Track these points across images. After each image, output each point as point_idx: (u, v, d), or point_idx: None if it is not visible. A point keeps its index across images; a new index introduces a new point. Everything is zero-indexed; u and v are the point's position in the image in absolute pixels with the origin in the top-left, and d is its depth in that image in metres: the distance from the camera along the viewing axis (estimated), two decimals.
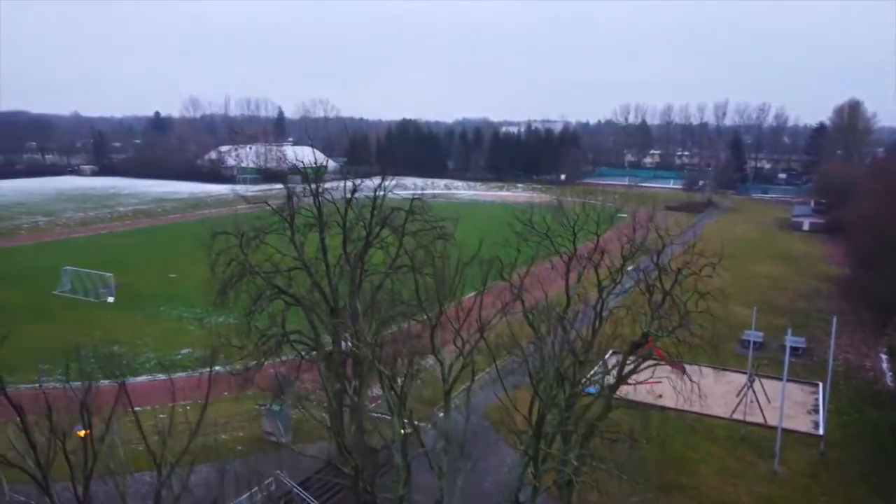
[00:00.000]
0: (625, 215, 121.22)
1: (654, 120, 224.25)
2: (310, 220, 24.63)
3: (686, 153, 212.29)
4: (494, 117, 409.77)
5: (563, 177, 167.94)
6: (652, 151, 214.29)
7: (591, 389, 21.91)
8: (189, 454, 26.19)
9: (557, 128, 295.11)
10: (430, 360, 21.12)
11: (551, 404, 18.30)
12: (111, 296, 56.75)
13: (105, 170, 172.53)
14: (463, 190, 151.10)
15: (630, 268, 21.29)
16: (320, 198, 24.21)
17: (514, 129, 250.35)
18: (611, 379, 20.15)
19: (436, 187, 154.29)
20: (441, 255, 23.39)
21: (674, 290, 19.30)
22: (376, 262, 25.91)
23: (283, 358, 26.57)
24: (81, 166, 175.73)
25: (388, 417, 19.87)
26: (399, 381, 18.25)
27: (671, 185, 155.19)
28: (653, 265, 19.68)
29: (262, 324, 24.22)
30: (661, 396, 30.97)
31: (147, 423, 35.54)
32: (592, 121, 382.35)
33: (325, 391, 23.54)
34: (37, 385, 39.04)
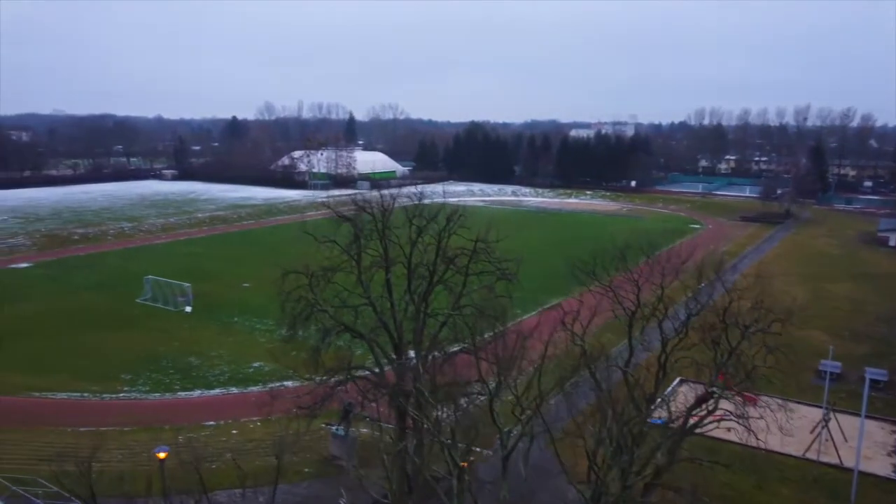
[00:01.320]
0: (698, 226, 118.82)
1: (730, 121, 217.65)
2: (376, 259, 25.19)
3: (764, 158, 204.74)
4: (564, 118, 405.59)
5: (633, 183, 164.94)
6: (727, 157, 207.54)
7: (658, 420, 21.64)
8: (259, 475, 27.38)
9: (628, 130, 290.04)
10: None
11: (615, 456, 18.19)
12: (189, 305, 59.20)
13: (185, 174, 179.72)
14: (530, 197, 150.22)
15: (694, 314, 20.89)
16: (385, 239, 24.65)
17: (583, 132, 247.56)
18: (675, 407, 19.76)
19: (503, 193, 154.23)
20: (502, 296, 23.41)
21: (741, 345, 18.84)
22: (441, 302, 26.23)
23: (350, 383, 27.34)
24: (163, 171, 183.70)
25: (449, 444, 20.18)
26: (455, 415, 18.48)
27: (747, 194, 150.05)
28: (719, 320, 19.23)
29: (328, 358, 24.92)
30: (729, 430, 30.15)
31: (220, 438, 37.41)
32: (665, 122, 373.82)
33: (388, 421, 24.12)
34: (119, 395, 41.59)
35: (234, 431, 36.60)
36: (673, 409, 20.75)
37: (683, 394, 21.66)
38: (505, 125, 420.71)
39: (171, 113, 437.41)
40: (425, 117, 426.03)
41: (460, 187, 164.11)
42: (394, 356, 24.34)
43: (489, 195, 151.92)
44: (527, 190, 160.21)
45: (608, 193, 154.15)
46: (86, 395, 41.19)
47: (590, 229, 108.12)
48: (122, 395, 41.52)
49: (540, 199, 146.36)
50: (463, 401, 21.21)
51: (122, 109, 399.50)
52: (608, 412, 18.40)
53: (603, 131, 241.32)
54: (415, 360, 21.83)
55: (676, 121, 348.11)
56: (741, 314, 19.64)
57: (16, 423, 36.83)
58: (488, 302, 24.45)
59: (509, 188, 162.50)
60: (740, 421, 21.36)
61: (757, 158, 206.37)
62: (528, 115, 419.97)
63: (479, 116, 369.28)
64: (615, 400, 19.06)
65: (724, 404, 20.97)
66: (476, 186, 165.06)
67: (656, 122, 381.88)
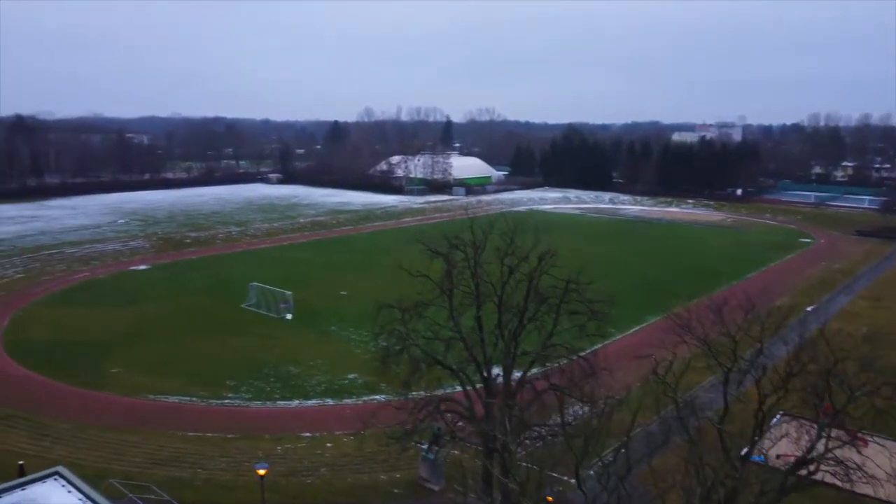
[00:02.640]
0: (808, 240, 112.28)
1: (848, 123, 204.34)
2: (468, 293, 25.49)
3: (886, 165, 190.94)
4: (666, 119, 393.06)
5: (738, 192, 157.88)
6: (844, 163, 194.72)
7: (758, 458, 20.78)
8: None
9: (735, 134, 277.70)
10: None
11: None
12: (290, 313, 61.70)
13: (289, 177, 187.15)
14: (628, 205, 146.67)
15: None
16: (477, 277, 24.89)
17: (686, 136, 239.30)
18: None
19: (600, 201, 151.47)
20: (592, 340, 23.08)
21: (846, 407, 17.79)
22: (531, 340, 26.24)
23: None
24: (269, 174, 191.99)
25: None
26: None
27: (865, 206, 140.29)
28: (823, 382, 18.20)
29: (420, 385, 25.44)
30: (834, 475, 28.38)
31: (315, 451, 38.81)
32: (776, 124, 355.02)
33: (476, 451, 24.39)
34: (224, 402, 43.94)
35: (329, 445, 37.91)
36: (774, 451, 19.84)
37: (785, 431, 20.44)
38: (604, 127, 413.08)
39: (278, 115, 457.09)
40: (522, 119, 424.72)
41: (556, 194, 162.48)
42: (483, 392, 24.57)
43: (585, 202, 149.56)
44: (625, 197, 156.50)
45: (711, 202, 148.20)
46: (194, 399, 43.78)
47: (690, 241, 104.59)
48: (226, 401, 43.85)
49: (639, 208, 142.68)
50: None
51: (232, 112, 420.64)
52: (701, 469, 17.85)
53: (708, 136, 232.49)
54: (502, 412, 21.97)
55: (788, 122, 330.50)
56: (848, 376, 18.47)
57: (134, 424, 39.64)
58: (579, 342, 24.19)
59: (607, 195, 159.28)
60: (849, 464, 20.11)
61: (877, 165, 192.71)
62: (628, 116, 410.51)
63: (577, 118, 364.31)
64: (706, 451, 18.46)
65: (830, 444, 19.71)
66: (572, 193, 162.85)
67: (766, 123, 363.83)
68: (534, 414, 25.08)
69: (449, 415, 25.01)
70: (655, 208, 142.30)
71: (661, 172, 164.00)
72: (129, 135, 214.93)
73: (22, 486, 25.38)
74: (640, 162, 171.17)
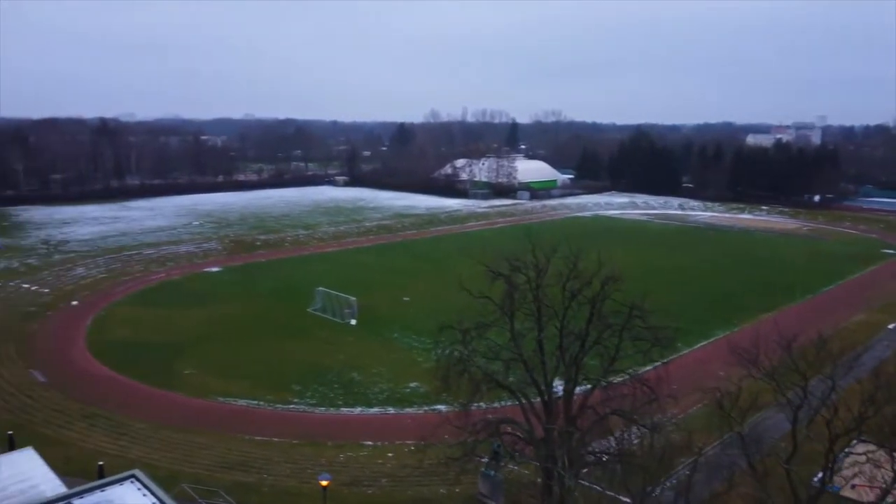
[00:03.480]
0: (892, 251, 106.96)
1: None
2: (530, 314, 25.40)
3: None
4: (739, 120, 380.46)
5: (816, 198, 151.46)
6: None
7: (834, 488, 20.02)
8: None
9: (814, 136, 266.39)
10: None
11: None
12: (354, 318, 62.78)
13: (355, 180, 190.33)
14: (699, 211, 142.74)
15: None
16: (539, 301, 24.77)
17: (761, 138, 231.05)
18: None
19: (668, 207, 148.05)
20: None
21: None
22: (593, 364, 25.95)
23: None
24: (336, 177, 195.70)
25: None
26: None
27: None
28: None
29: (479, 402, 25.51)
30: None
31: (376, 461, 39.37)
32: (858, 124, 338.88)
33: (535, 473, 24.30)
34: (289, 406, 45.07)
35: (390, 455, 38.40)
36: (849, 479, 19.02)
37: (862, 459, 19.49)
38: (673, 128, 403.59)
39: (346, 116, 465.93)
40: (589, 119, 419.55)
41: (622, 199, 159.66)
42: (543, 414, 24.49)
43: (653, 208, 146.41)
44: (695, 203, 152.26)
45: (786, 209, 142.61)
46: (261, 403, 45.10)
47: (763, 250, 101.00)
48: (291, 406, 45.00)
49: (709, 214, 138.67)
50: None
51: (302, 113, 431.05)
52: None
53: (784, 139, 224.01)
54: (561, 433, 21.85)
55: (872, 124, 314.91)
56: None
57: (205, 426, 41.16)
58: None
59: (676, 201, 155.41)
60: None
61: None
62: (699, 117, 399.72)
63: (646, 119, 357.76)
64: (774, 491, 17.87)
65: None
66: (640, 198, 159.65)
67: (847, 124, 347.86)
68: (594, 437, 24.83)
69: (508, 436, 25.02)
70: (727, 215, 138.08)
71: (734, 177, 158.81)
72: (204, 137, 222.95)
73: (101, 487, 26.77)
74: (712, 166, 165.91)
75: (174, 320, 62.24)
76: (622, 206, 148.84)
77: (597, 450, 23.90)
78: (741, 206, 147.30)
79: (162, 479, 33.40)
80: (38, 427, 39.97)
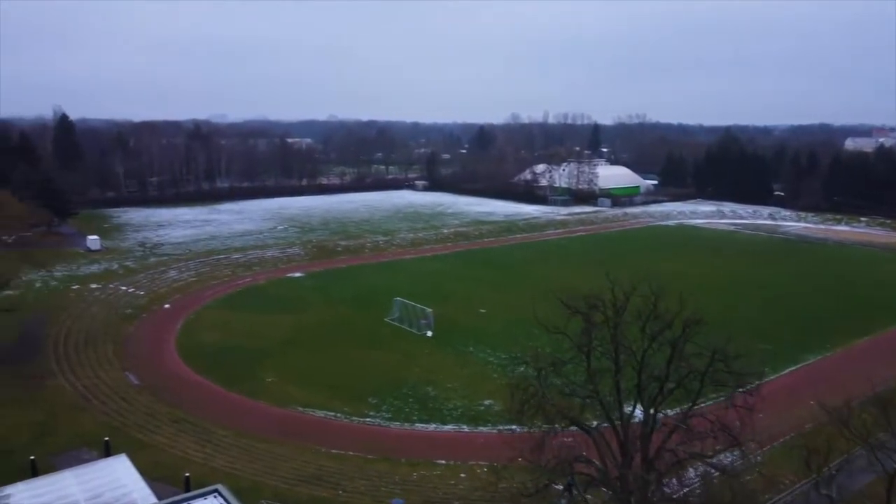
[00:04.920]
0: None
1: None
2: (607, 351, 24.79)
3: None
4: (837, 121, 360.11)
5: None
6: None
7: None
8: None
9: None
10: None
11: None
12: (430, 329, 63.20)
13: (434, 184, 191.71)
14: (790, 221, 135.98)
15: None
16: (617, 341, 24.13)
17: (861, 142, 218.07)
18: None
19: (757, 216, 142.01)
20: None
21: None
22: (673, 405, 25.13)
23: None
24: (416, 181, 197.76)
25: None
26: None
27: None
28: None
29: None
30: None
31: (449, 481, 39.44)
32: None
33: None
34: (365, 420, 45.79)
35: (463, 475, 38.45)
36: None
37: None
38: (765, 130, 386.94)
39: (426, 118, 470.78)
40: (675, 121, 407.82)
41: (709, 207, 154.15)
42: (619, 454, 23.88)
43: (742, 217, 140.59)
44: (787, 213, 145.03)
45: (888, 221, 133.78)
46: (338, 415, 46.06)
47: (861, 266, 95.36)
48: (367, 419, 45.72)
49: (802, 225, 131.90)
50: None
51: (384, 115, 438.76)
52: None
53: (886, 143, 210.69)
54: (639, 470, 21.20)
55: None
56: None
57: (284, 436, 42.38)
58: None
59: (766, 210, 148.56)
60: None
61: None
62: (793, 118, 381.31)
63: (736, 120, 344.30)
64: None
65: None
66: (727, 207, 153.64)
67: None
68: (671, 479, 24.07)
69: (582, 475, 24.53)
70: (821, 226, 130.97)
71: (830, 185, 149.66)
72: (290, 140, 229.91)
73: (186, 500, 28.10)
74: (806, 173, 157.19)
75: (258, 326, 64.43)
76: (708, 215, 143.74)
77: (674, 495, 23.13)
78: (837, 216, 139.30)
79: (244, 490, 34.74)
80: (131, 430, 42.24)
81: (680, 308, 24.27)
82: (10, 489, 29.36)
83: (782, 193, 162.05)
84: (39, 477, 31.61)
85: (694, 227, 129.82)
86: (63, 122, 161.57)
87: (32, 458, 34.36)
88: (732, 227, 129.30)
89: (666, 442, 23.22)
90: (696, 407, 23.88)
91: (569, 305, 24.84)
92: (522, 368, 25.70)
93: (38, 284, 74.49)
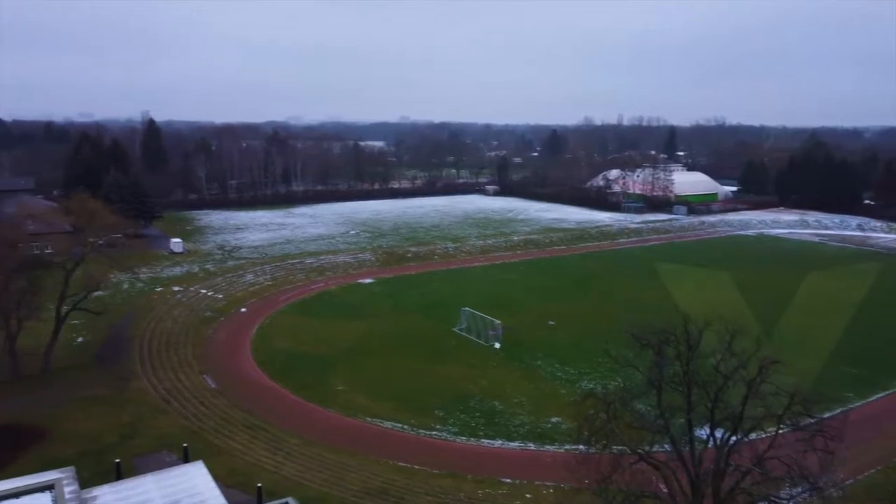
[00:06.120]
0: None
1: None
2: (678, 388, 24.12)
3: None
4: None
5: None
6: None
7: None
8: None
9: None
10: None
11: None
12: (498, 341, 63.03)
13: (505, 189, 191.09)
14: (881, 233, 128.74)
15: None
16: (689, 379, 23.42)
17: None
18: None
19: (844, 227, 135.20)
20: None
21: None
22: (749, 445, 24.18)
23: None
24: (486, 186, 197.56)
25: None
26: None
27: None
28: None
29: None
30: None
31: (513, 501, 39.24)
32: None
33: None
34: (431, 433, 46.06)
35: (528, 496, 38.17)
36: None
37: None
38: (855, 132, 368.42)
39: (498, 119, 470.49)
40: (756, 123, 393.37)
41: (791, 216, 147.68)
42: (690, 495, 23.19)
43: (827, 228, 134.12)
44: (877, 224, 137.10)
45: None
46: (405, 427, 46.52)
47: None
48: (433, 433, 46.00)
49: (894, 237, 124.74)
50: None
51: (456, 117, 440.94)
52: None
53: None
54: None
55: None
56: None
57: (352, 447, 43.13)
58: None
59: (854, 220, 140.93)
60: None
61: None
62: (887, 118, 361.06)
63: (822, 121, 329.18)
64: None
65: None
66: (811, 216, 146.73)
67: None
68: None
69: None
70: None
71: None
72: (363, 143, 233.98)
73: None
74: None
75: (329, 332, 65.83)
76: (791, 225, 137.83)
77: None
78: None
79: (312, 500, 35.66)
80: (208, 435, 43.88)
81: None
82: (96, 491, 31.02)
83: (872, 202, 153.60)
84: (123, 480, 33.22)
85: (775, 238, 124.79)
86: (150, 127, 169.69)
87: (118, 461, 36.15)
88: (817, 239, 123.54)
89: (740, 482, 22.42)
90: (771, 450, 22.91)
91: (640, 338, 24.31)
92: (591, 401, 25.08)
93: (125, 286, 78.47)
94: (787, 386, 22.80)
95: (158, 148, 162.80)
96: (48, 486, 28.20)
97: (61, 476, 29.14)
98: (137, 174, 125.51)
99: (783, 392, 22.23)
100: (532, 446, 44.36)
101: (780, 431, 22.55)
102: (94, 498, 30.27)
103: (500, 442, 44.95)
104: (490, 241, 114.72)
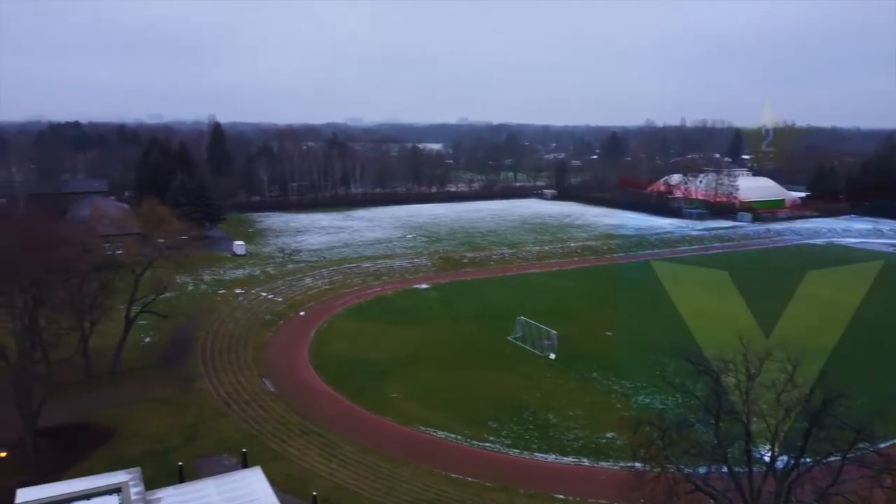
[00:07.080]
0: None
1: None
2: (737, 418, 23.43)
3: None
4: None
5: None
6: None
7: None
8: None
9: None
10: None
11: None
12: (553, 352, 62.50)
13: (563, 193, 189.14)
14: None
15: None
16: (748, 409, 22.72)
17: None
18: None
19: None
20: None
21: None
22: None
23: None
24: (544, 190, 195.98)
25: None
26: None
27: None
28: None
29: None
30: None
31: None
32: None
33: None
34: (485, 444, 46.00)
35: None
36: None
37: None
38: None
39: (557, 120, 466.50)
40: (827, 124, 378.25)
41: (864, 224, 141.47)
42: None
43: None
44: None
45: None
46: (459, 437, 46.60)
47: None
48: (486, 444, 45.93)
49: None
50: None
51: (515, 118, 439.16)
52: None
53: None
54: None
55: None
56: None
57: (406, 456, 43.45)
58: None
59: None
60: None
61: None
62: None
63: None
64: None
65: None
66: (886, 224, 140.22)
67: None
68: None
69: None
70: None
71: None
72: (421, 145, 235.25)
73: None
74: None
75: (384, 338, 66.52)
76: (863, 234, 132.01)
77: None
78: None
79: None
80: (266, 440, 44.97)
81: (819, 376, 22.50)
82: (160, 493, 32.24)
83: None
84: (185, 483, 34.43)
85: (846, 248, 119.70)
86: (216, 130, 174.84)
87: (180, 463, 37.45)
88: (891, 249, 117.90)
89: None
90: (835, 486, 22.01)
91: (697, 364, 23.73)
92: (647, 428, 24.58)
93: (189, 288, 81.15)
94: (856, 409, 21.88)
95: (223, 150, 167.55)
96: (116, 489, 29.41)
97: (128, 478, 30.41)
98: (203, 176, 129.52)
99: (848, 427, 21.33)
100: (586, 462, 43.82)
101: (845, 466, 21.68)
102: (159, 500, 31.42)
103: (554, 456, 44.56)
104: (547, 248, 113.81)
